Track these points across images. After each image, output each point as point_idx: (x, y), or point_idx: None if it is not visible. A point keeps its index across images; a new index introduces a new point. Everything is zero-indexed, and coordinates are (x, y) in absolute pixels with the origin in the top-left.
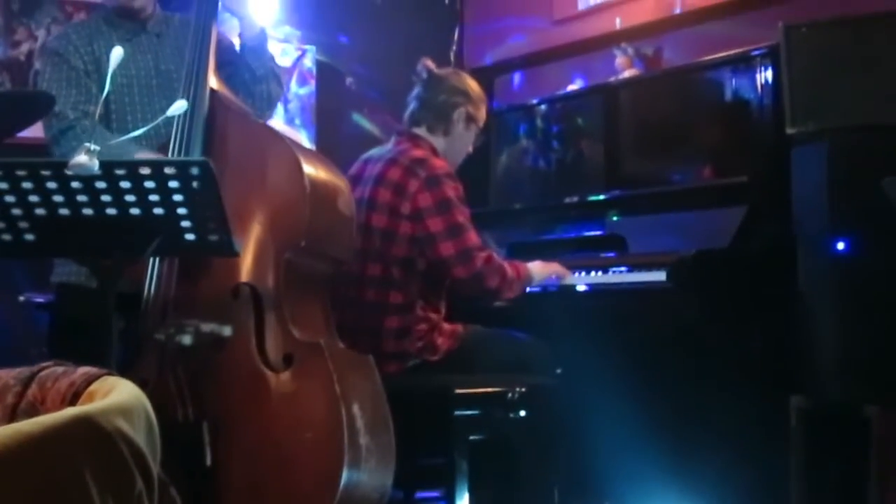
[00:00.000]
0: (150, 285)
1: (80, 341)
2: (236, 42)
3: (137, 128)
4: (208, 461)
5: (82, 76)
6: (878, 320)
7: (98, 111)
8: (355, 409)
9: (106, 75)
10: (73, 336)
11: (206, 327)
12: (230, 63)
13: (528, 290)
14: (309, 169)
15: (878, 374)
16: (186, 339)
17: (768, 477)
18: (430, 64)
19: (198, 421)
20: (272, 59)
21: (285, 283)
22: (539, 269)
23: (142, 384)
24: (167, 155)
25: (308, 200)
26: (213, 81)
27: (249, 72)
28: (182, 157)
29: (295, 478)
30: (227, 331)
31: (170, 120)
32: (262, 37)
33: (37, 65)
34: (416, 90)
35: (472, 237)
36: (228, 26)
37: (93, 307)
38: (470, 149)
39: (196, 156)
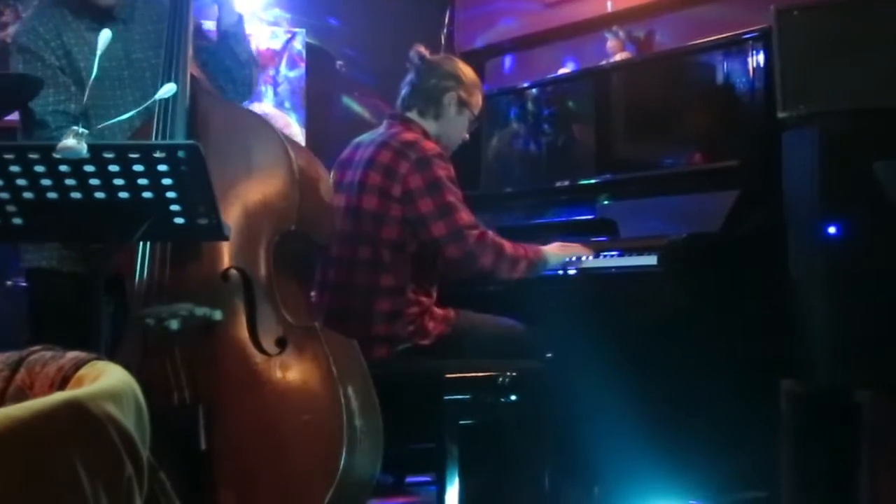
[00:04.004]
0: (139, 269)
1: (57, 325)
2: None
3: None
4: (203, 445)
5: (58, 74)
6: (868, 304)
7: (84, 100)
8: (350, 390)
9: (78, 70)
10: (50, 320)
11: (197, 311)
12: (204, 49)
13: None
14: (294, 153)
15: (869, 358)
16: (175, 324)
17: (758, 461)
18: (423, 50)
19: (193, 404)
20: (249, 43)
21: (275, 266)
22: (557, 250)
23: (129, 368)
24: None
25: (297, 184)
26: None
27: (232, 57)
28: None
29: (292, 461)
30: (217, 315)
31: (151, 107)
32: (241, 22)
33: (10, 61)
34: (409, 76)
35: (464, 216)
36: (204, 12)
37: (65, 291)
38: (466, 135)
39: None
